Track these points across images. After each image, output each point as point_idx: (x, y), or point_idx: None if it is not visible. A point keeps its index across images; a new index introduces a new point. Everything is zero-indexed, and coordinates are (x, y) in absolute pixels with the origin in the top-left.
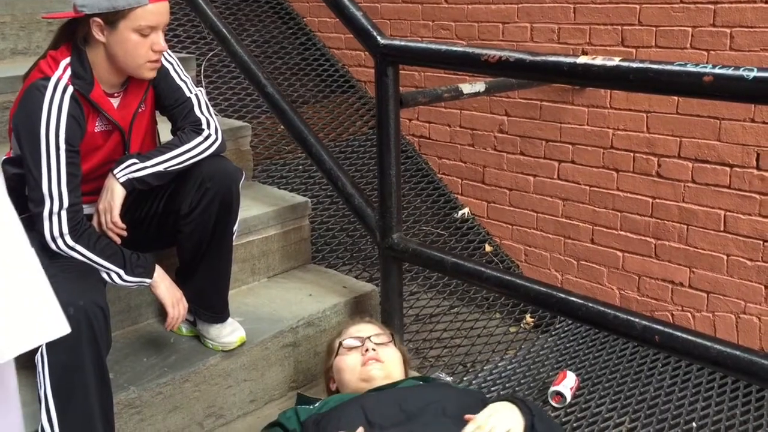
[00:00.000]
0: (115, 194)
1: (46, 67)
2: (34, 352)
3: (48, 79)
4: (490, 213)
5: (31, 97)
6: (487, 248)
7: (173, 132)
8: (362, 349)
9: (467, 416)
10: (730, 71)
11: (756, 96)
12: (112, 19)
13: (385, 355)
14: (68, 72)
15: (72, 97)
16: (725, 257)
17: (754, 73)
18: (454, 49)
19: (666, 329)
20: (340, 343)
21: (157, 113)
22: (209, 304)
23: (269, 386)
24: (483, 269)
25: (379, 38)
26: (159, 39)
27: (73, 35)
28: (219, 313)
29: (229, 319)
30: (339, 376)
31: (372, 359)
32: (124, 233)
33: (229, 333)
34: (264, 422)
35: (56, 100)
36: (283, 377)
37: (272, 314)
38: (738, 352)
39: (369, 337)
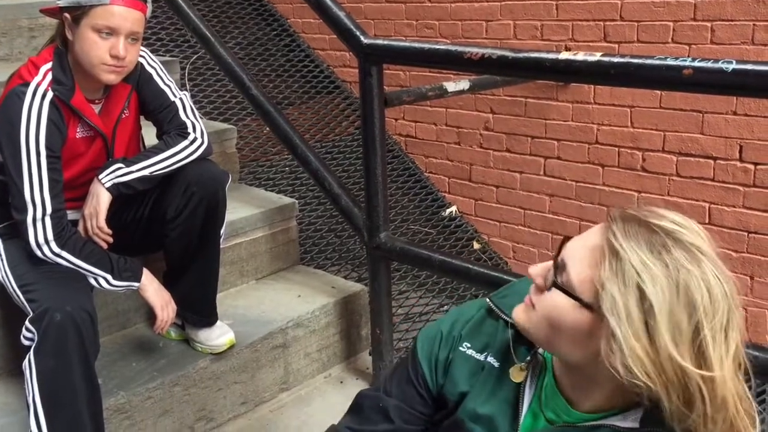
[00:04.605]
0: (100, 199)
1: (26, 73)
2: (21, 358)
3: (27, 85)
4: (477, 210)
5: (10, 104)
6: (476, 246)
7: (158, 136)
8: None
9: None
10: (709, 64)
11: (735, 88)
12: (77, 15)
13: (544, 305)
14: (48, 77)
15: (51, 102)
16: None
17: (733, 66)
18: (437, 47)
19: None
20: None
21: (142, 118)
22: (198, 308)
23: (260, 388)
24: (470, 266)
25: (362, 38)
26: (119, 44)
27: (58, 38)
28: (207, 316)
29: (218, 322)
30: None
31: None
32: (111, 238)
33: (218, 336)
34: (255, 424)
35: (35, 106)
36: (273, 379)
37: (261, 316)
38: None
39: (555, 268)
